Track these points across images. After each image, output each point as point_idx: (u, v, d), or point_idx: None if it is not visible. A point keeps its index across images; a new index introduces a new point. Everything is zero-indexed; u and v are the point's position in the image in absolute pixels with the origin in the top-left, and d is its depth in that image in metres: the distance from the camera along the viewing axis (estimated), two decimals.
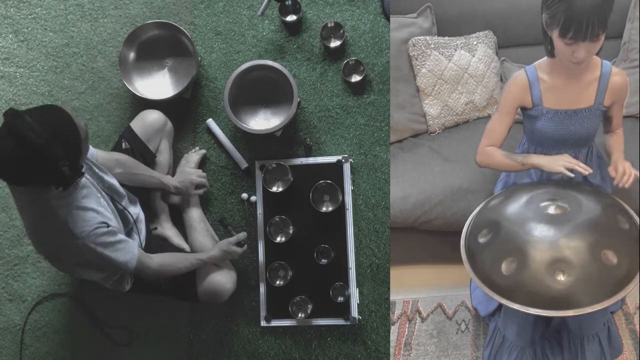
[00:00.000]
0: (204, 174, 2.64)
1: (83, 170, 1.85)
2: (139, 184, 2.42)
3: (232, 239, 2.47)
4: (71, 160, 1.76)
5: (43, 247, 2.07)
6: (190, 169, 2.61)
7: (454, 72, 2.80)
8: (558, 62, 2.03)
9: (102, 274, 2.25)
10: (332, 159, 2.61)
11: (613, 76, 2.04)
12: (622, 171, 2.04)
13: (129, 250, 2.11)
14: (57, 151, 1.71)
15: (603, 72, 2.04)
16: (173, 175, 2.61)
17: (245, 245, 2.51)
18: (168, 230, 2.61)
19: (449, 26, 2.90)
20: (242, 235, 2.50)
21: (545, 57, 2.07)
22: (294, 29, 2.75)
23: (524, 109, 2.13)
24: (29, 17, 2.86)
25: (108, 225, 2.01)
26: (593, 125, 2.11)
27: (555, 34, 1.91)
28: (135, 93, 2.62)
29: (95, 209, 2.00)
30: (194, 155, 2.67)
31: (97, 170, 2.12)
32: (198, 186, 2.62)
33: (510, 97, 2.13)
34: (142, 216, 2.42)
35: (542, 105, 2.08)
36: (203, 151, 2.70)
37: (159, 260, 2.26)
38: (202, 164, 2.69)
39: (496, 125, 2.17)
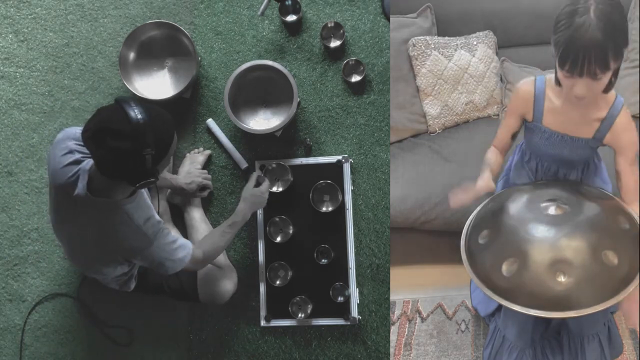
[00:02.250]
0: (210, 176, 2.65)
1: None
2: None
3: (249, 184, 2.42)
4: (157, 153, 1.80)
5: (109, 251, 2.09)
6: (197, 171, 2.61)
7: (454, 72, 2.80)
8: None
9: (125, 277, 2.31)
10: (332, 159, 2.61)
11: (620, 118, 1.94)
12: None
13: (186, 245, 2.16)
14: (149, 138, 1.76)
15: (612, 110, 1.93)
16: (173, 174, 2.62)
17: (266, 181, 2.47)
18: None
19: (449, 26, 2.90)
20: (254, 175, 2.46)
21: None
22: (294, 29, 2.75)
23: (526, 119, 2.11)
24: (29, 17, 2.86)
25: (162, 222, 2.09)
26: (587, 154, 2.06)
27: (556, 64, 1.82)
28: (135, 93, 2.61)
29: (151, 207, 2.08)
30: (199, 157, 2.67)
31: None
32: (202, 188, 2.63)
33: (514, 105, 2.10)
34: None
35: (541, 122, 2.04)
36: (208, 152, 2.70)
37: (202, 249, 2.25)
38: (204, 165, 2.69)
39: (501, 127, 2.17)
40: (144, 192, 2.11)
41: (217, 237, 2.31)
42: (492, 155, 2.17)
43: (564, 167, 2.14)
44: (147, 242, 2.01)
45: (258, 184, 2.44)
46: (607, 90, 1.86)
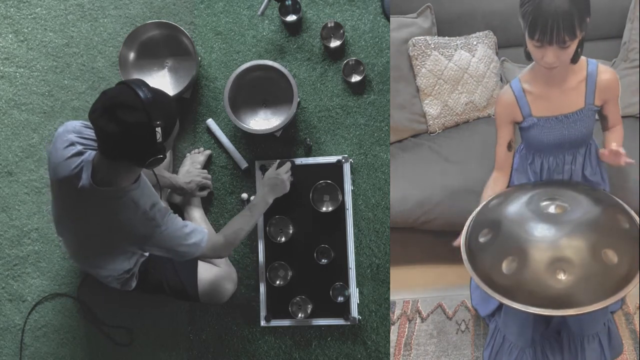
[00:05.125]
0: (210, 176, 2.65)
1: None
2: (152, 181, 2.43)
3: (271, 168, 2.51)
4: (165, 127, 1.84)
5: (117, 241, 2.09)
6: (196, 170, 2.62)
7: (454, 72, 2.80)
8: (539, 70, 2.04)
9: (127, 275, 2.31)
10: (332, 159, 2.61)
11: (600, 75, 2.03)
12: (615, 149, 2.00)
13: (199, 230, 2.17)
14: (159, 111, 1.80)
15: (589, 73, 2.03)
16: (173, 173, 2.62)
17: (287, 164, 2.55)
18: None
19: (449, 26, 2.90)
20: (277, 162, 2.56)
21: (528, 67, 2.09)
22: (294, 29, 2.75)
23: (517, 122, 2.15)
24: (29, 17, 2.86)
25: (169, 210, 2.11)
26: (587, 127, 2.11)
27: (526, 35, 1.93)
28: None
29: (157, 195, 2.11)
30: (200, 157, 2.67)
31: None
32: (202, 188, 2.63)
33: (500, 115, 2.17)
34: None
35: (532, 115, 2.10)
36: (208, 152, 2.70)
37: (223, 234, 2.27)
38: (205, 165, 2.69)
39: (497, 143, 2.21)
40: (148, 181, 2.12)
41: (238, 221, 2.34)
42: (491, 190, 2.21)
43: (570, 154, 2.16)
44: (154, 226, 2.02)
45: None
46: (574, 60, 1.96)
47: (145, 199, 2.01)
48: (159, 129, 1.81)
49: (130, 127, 1.77)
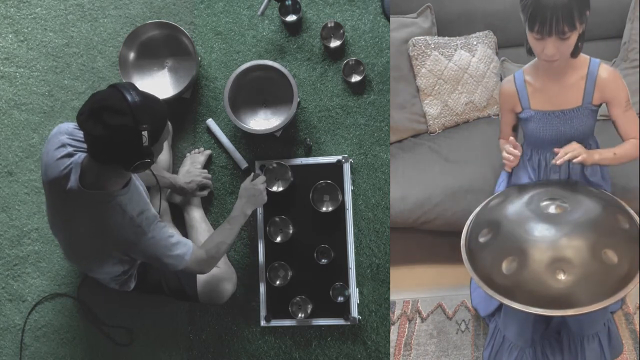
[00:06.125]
0: (210, 175, 2.65)
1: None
2: (152, 182, 2.43)
3: (246, 180, 2.46)
4: (152, 131, 1.82)
5: (104, 246, 2.08)
6: (197, 170, 2.62)
7: (454, 72, 2.80)
8: (541, 64, 2.05)
9: (125, 276, 2.30)
10: (332, 159, 2.61)
11: (600, 73, 2.04)
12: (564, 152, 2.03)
13: (185, 242, 2.16)
14: (146, 115, 1.79)
15: (590, 70, 2.04)
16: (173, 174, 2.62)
17: (261, 176, 2.49)
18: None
19: (449, 26, 2.90)
20: (253, 174, 2.50)
21: (532, 60, 2.10)
22: (294, 29, 2.75)
23: (516, 112, 2.18)
24: (29, 17, 2.86)
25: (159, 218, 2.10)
26: (584, 125, 2.12)
27: (526, 28, 1.95)
28: None
29: (148, 203, 2.09)
30: (200, 157, 2.67)
31: None
32: (202, 187, 2.63)
33: (502, 103, 2.23)
34: None
35: (530, 107, 2.12)
36: (209, 152, 2.70)
37: (204, 249, 2.24)
38: (205, 165, 2.69)
39: (500, 123, 2.27)
40: (141, 187, 2.11)
41: (218, 235, 2.31)
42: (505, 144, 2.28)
43: None
44: (140, 233, 2.01)
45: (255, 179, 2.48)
46: (575, 54, 1.98)
47: (133, 205, 2.00)
48: (145, 133, 1.79)
49: (116, 131, 1.77)
